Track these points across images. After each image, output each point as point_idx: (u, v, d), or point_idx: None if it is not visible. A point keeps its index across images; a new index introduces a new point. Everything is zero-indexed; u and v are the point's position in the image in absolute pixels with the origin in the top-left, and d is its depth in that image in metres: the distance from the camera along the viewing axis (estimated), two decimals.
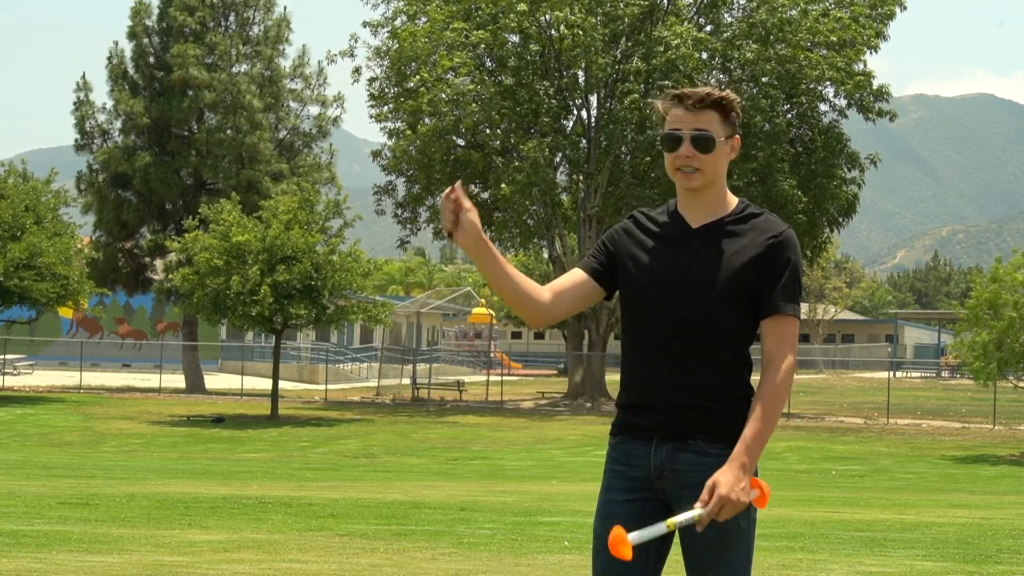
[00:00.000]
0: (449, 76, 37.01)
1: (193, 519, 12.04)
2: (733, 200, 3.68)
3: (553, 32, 37.53)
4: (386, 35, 40.05)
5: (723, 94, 3.60)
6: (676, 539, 3.66)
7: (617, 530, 3.35)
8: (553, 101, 37.72)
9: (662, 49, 35.63)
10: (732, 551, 3.59)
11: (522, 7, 36.16)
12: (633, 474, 3.63)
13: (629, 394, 3.66)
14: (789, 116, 37.84)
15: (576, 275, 3.70)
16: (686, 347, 3.55)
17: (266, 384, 35.76)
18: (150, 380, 43.12)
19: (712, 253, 3.58)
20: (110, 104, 42.33)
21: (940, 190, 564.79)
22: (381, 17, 40.79)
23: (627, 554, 3.33)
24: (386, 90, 39.84)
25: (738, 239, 3.59)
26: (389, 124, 40.11)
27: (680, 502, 3.56)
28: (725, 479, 3.41)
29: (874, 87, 38.25)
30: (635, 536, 3.37)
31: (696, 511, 3.43)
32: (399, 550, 9.91)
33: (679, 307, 3.55)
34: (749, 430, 3.47)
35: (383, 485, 18.50)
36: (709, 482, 3.43)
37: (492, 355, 59.65)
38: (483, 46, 37.85)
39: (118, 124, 42.31)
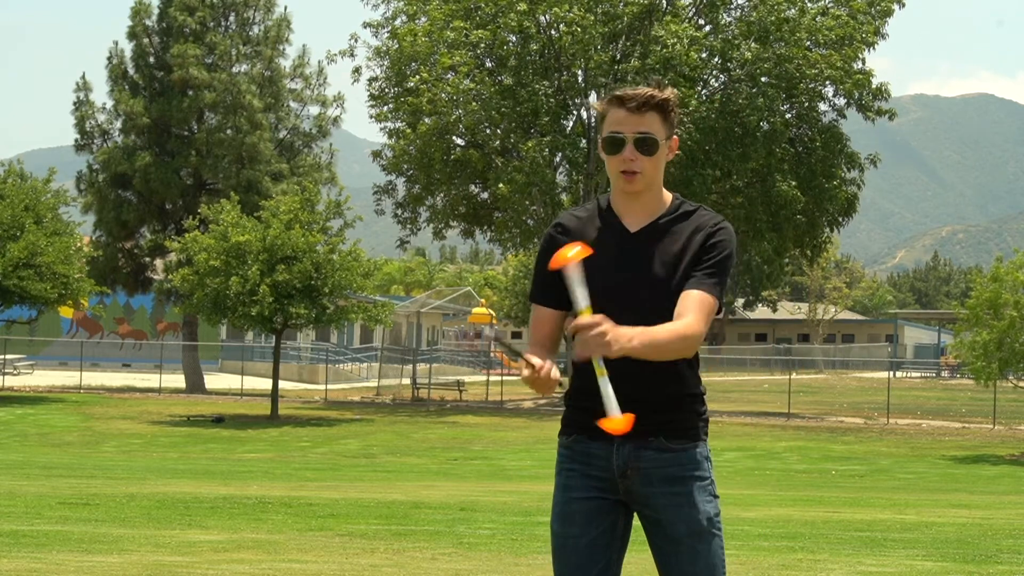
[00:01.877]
0: (449, 76, 37.02)
1: (193, 519, 12.04)
2: (668, 197, 3.68)
3: (553, 32, 37.54)
4: (386, 35, 40.07)
5: (664, 95, 3.59)
6: (643, 538, 3.66)
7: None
8: (552, 101, 37.70)
9: (659, 48, 35.63)
10: (709, 545, 3.61)
11: (522, 6, 36.16)
12: (593, 473, 3.64)
13: (587, 396, 3.57)
14: (788, 116, 37.79)
15: (544, 316, 3.67)
16: None
17: (266, 384, 35.75)
18: (150, 380, 43.09)
19: (655, 255, 3.59)
20: (110, 104, 42.38)
21: (940, 190, 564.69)
22: (381, 18, 40.84)
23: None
24: (386, 90, 39.83)
25: (678, 237, 3.60)
26: (389, 124, 40.12)
27: (647, 500, 3.60)
28: (608, 326, 3.31)
29: (873, 86, 38.23)
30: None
31: None
32: (399, 550, 9.91)
33: (632, 312, 3.51)
34: (650, 331, 3.40)
35: (383, 485, 18.50)
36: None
37: (492, 355, 59.64)
38: (483, 45, 37.86)
39: (118, 124, 42.34)
